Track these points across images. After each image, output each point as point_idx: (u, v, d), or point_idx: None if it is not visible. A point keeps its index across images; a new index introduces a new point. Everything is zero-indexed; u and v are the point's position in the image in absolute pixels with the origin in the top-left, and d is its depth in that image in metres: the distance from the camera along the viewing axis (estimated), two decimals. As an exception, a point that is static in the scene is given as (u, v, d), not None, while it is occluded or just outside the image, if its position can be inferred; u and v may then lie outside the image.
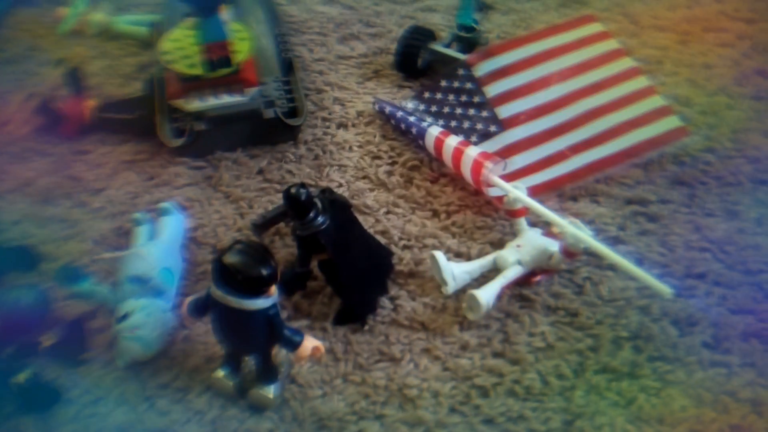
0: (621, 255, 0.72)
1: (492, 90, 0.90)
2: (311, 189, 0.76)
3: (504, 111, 0.89)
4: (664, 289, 0.67)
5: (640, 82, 0.91)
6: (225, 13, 0.88)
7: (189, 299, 0.67)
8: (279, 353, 0.68)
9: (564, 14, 1.11)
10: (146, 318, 0.70)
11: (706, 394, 0.68)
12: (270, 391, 0.67)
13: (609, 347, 0.71)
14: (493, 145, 0.88)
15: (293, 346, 0.64)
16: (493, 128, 0.89)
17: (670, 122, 0.88)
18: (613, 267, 0.75)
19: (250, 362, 0.69)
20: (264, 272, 0.61)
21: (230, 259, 0.61)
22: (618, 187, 0.86)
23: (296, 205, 0.71)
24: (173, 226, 0.80)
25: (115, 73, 1.02)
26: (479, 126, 0.89)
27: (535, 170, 0.86)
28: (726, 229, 0.82)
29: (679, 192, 0.86)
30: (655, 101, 0.89)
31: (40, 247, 0.81)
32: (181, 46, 0.87)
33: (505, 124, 0.88)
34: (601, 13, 1.10)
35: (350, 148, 0.92)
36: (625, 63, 0.92)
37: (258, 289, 0.61)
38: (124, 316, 0.70)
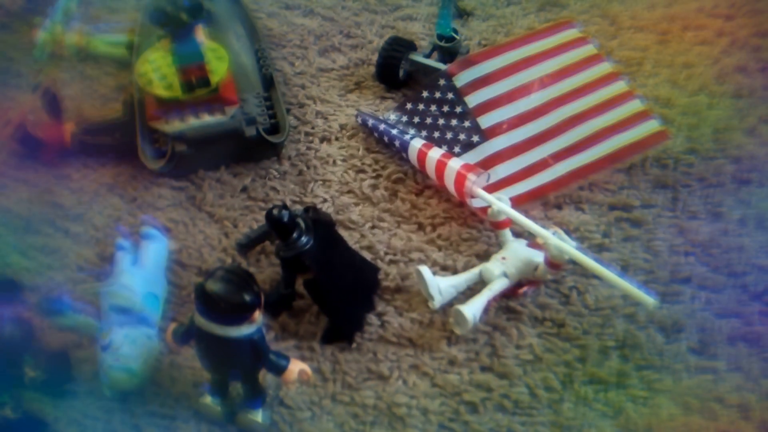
0: (605, 264, 0.72)
1: (473, 99, 0.90)
2: (294, 208, 0.76)
3: (486, 120, 0.89)
4: (648, 299, 0.67)
5: (618, 87, 0.91)
6: (200, 34, 0.87)
7: (173, 327, 0.67)
8: (267, 376, 0.68)
9: (543, 18, 1.11)
10: (131, 346, 0.70)
11: (694, 401, 0.68)
12: (258, 415, 0.67)
13: (596, 357, 0.71)
14: (475, 155, 0.87)
15: (279, 370, 0.64)
16: (475, 138, 0.88)
17: (650, 126, 0.88)
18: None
19: (237, 387, 0.68)
20: (247, 299, 0.60)
21: (212, 286, 0.60)
22: (601, 193, 0.86)
23: (279, 227, 0.71)
24: (156, 250, 0.79)
25: (93, 95, 1.01)
26: (462, 136, 0.89)
27: (518, 179, 0.86)
28: (710, 231, 0.82)
29: (662, 195, 0.86)
30: (634, 105, 0.89)
31: (22, 277, 0.80)
32: (158, 68, 0.86)
33: (487, 134, 0.88)
34: (580, 15, 1.10)
35: (334, 163, 0.92)
36: (604, 68, 0.92)
37: (241, 316, 0.61)
38: (109, 345, 0.70)
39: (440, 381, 0.71)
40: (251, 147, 0.89)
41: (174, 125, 0.86)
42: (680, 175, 0.88)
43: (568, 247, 0.71)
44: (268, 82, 0.96)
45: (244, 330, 0.61)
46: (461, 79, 0.91)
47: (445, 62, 0.96)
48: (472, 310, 0.71)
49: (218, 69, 0.86)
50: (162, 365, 0.72)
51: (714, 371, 0.70)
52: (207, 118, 0.87)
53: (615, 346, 0.72)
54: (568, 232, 0.75)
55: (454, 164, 0.82)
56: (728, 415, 0.67)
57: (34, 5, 1.13)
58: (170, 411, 0.69)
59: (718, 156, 0.90)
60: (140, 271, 0.76)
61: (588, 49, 0.93)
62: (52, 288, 0.79)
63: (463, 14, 1.10)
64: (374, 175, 0.90)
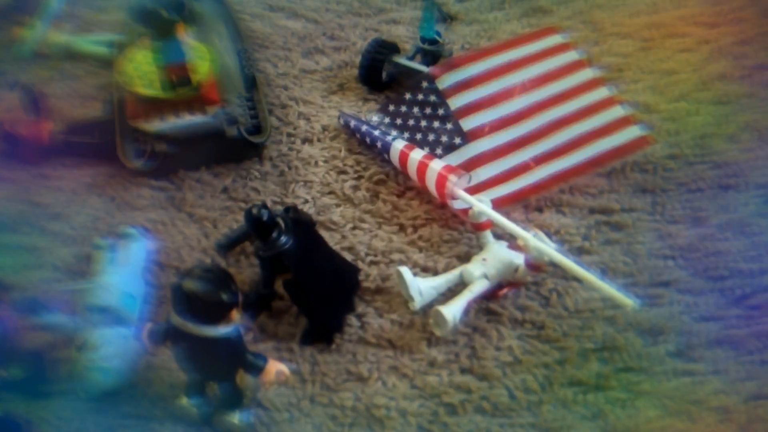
0: (586, 266, 0.72)
1: (456, 102, 0.90)
2: (274, 208, 0.75)
3: (468, 123, 0.89)
4: (628, 301, 0.67)
5: (600, 93, 0.91)
6: (185, 34, 0.87)
7: (149, 327, 0.66)
8: (245, 377, 0.67)
9: (527, 24, 1.11)
10: (109, 348, 0.69)
11: (674, 403, 0.68)
12: (236, 416, 0.66)
13: (576, 360, 0.71)
14: (457, 157, 0.87)
15: (257, 370, 0.63)
16: (457, 140, 0.88)
17: (633, 132, 0.89)
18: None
19: (215, 388, 0.68)
20: (224, 298, 0.60)
21: (189, 284, 0.60)
22: (582, 197, 0.87)
23: (258, 227, 0.70)
24: (136, 250, 0.78)
25: (76, 94, 1.00)
26: (444, 138, 0.89)
27: (499, 182, 0.86)
28: (690, 235, 0.83)
29: (643, 200, 0.86)
30: (616, 111, 0.90)
31: (0, 277, 0.79)
32: (140, 67, 0.86)
33: (469, 137, 0.88)
34: (564, 22, 1.10)
35: (316, 164, 0.91)
36: (586, 74, 0.93)
37: (219, 315, 0.60)
38: (87, 347, 0.69)
39: (420, 382, 0.70)
40: (232, 147, 0.89)
41: (155, 124, 0.86)
42: (661, 180, 0.89)
43: (549, 249, 0.71)
44: (251, 83, 0.96)
45: (222, 329, 0.60)
46: (444, 82, 0.91)
47: (428, 65, 0.97)
48: (453, 311, 0.71)
49: (201, 68, 0.86)
50: (138, 366, 0.71)
51: (694, 374, 0.70)
52: (188, 118, 0.86)
53: (595, 348, 0.72)
54: (549, 235, 0.75)
55: (436, 165, 0.82)
56: (708, 418, 0.67)
57: (19, 3, 1.12)
58: (147, 413, 0.68)
59: (699, 162, 0.91)
60: (119, 270, 0.75)
61: (571, 56, 0.94)
62: (28, 287, 0.78)
63: (447, 18, 1.10)
64: (356, 176, 0.90)
